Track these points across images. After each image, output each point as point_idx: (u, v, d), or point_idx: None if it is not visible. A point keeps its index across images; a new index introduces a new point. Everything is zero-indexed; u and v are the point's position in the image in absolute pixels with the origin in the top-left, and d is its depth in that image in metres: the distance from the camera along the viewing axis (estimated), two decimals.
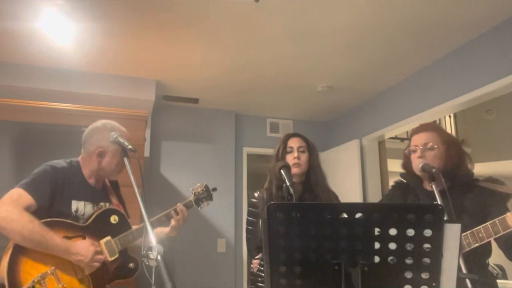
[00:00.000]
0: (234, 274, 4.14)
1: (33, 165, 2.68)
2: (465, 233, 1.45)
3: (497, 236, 1.41)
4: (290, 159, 1.87)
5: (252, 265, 1.93)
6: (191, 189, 2.02)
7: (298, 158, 1.87)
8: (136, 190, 1.41)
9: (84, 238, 1.65)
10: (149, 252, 1.22)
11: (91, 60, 3.25)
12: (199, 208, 2.00)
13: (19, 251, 1.52)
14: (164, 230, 1.86)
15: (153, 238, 1.26)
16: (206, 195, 2.01)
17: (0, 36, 2.83)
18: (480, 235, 1.43)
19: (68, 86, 3.35)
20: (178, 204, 1.88)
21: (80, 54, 3.13)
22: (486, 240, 1.42)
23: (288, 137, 1.97)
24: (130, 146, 1.57)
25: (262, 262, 1.85)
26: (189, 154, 4.24)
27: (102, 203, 1.78)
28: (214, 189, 2.05)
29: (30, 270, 1.52)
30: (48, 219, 1.58)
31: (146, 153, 3.79)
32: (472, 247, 1.44)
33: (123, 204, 1.93)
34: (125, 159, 1.55)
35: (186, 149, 4.25)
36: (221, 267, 4.08)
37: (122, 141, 1.60)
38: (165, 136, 4.20)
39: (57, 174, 1.67)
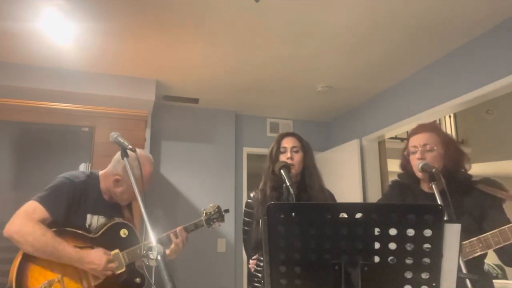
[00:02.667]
0: (234, 274, 4.14)
1: (33, 165, 2.68)
2: (466, 242, 1.43)
3: (497, 247, 1.39)
4: (283, 159, 1.84)
5: (249, 265, 1.93)
6: (203, 208, 2.05)
7: (291, 158, 1.84)
8: (136, 190, 1.41)
9: (92, 249, 1.67)
10: (149, 252, 1.22)
11: (91, 60, 3.25)
12: (210, 228, 2.02)
13: (29, 257, 1.55)
14: None
15: (153, 238, 1.26)
16: (217, 216, 2.03)
17: (0, 36, 2.83)
18: (481, 245, 1.42)
19: (68, 86, 3.35)
20: (178, 227, 1.88)
21: (80, 54, 3.13)
22: (487, 250, 1.41)
23: (282, 137, 1.94)
24: (130, 146, 1.57)
25: (259, 262, 1.85)
26: (189, 154, 4.24)
27: (116, 218, 1.80)
28: (226, 211, 2.07)
29: (38, 277, 1.54)
30: (60, 228, 1.61)
31: None
32: (473, 255, 1.43)
33: (132, 219, 1.95)
34: (125, 159, 1.54)
35: (186, 149, 4.25)
36: (221, 267, 4.09)
37: (122, 141, 1.60)
38: (165, 136, 4.20)
39: (75, 188, 1.69)
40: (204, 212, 2.03)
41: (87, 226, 1.70)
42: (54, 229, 1.59)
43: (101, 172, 1.83)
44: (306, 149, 1.92)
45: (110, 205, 1.81)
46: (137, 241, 1.79)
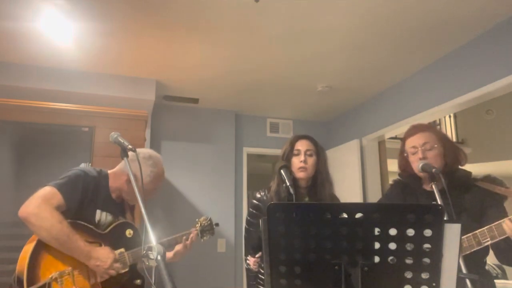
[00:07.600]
0: (234, 274, 4.14)
1: (32, 165, 2.68)
2: (463, 237, 1.44)
3: (494, 241, 1.40)
4: (296, 162, 1.81)
5: (247, 261, 1.93)
6: (197, 219, 2.09)
7: (305, 162, 1.80)
8: (136, 190, 1.41)
9: (100, 245, 1.67)
10: (149, 252, 1.22)
11: (91, 60, 3.25)
12: (202, 240, 2.06)
13: (43, 246, 1.54)
14: (168, 255, 1.87)
15: (153, 238, 1.26)
16: (209, 228, 2.08)
17: (0, 36, 2.83)
18: (477, 239, 1.43)
19: (68, 86, 3.35)
20: (193, 229, 1.92)
21: (80, 54, 3.13)
22: (483, 245, 1.42)
23: (296, 139, 1.89)
24: (130, 146, 1.57)
25: (261, 263, 1.85)
26: (189, 154, 4.24)
27: (120, 217, 1.82)
28: (217, 224, 2.13)
29: (49, 267, 1.54)
30: (72, 220, 1.60)
31: None
32: (469, 251, 1.44)
33: (133, 220, 1.97)
34: (125, 159, 1.54)
35: (186, 149, 4.25)
36: (221, 267, 4.08)
37: (122, 141, 1.60)
38: (165, 136, 4.20)
39: (89, 181, 1.69)
40: (198, 222, 2.06)
41: (96, 222, 1.70)
42: (68, 221, 1.58)
43: (110, 171, 1.83)
44: (320, 153, 1.87)
45: (116, 204, 1.82)
46: (140, 243, 1.79)
